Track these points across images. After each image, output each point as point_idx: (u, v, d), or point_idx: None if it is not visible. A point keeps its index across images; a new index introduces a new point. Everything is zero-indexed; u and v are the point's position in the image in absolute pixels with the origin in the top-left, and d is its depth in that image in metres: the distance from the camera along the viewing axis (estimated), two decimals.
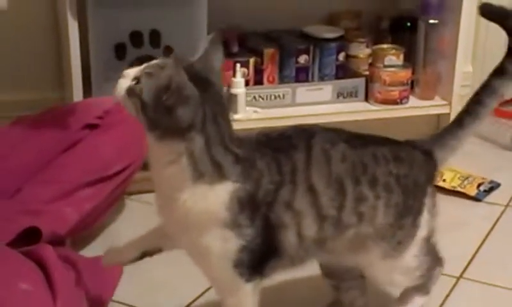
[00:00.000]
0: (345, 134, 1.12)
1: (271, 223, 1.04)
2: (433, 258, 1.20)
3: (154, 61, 1.01)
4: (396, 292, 1.26)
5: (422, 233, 1.16)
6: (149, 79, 0.97)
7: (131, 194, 1.71)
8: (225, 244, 1.02)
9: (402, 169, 1.14)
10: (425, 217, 1.16)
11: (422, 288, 1.21)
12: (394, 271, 1.17)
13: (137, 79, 0.98)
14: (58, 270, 1.09)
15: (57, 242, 1.29)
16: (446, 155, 1.25)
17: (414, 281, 1.20)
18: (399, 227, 1.12)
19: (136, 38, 1.72)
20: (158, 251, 1.17)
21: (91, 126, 1.47)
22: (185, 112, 0.96)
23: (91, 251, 1.49)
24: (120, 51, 1.71)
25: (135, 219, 1.66)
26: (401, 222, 1.12)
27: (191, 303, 1.35)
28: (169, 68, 0.97)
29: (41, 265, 1.09)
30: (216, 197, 1.01)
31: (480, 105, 1.25)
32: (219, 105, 1.02)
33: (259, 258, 1.05)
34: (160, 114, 0.97)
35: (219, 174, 1.01)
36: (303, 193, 1.05)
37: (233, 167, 1.02)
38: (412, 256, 1.15)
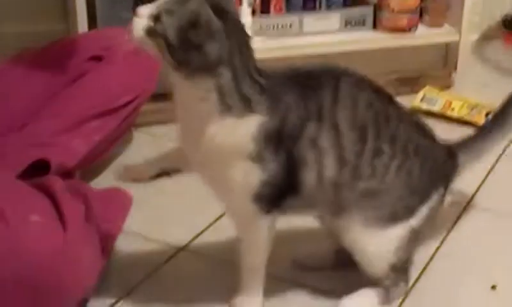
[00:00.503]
0: (374, 85, 1.12)
1: (293, 159, 1.04)
2: (405, 267, 1.18)
3: None
4: None
5: (413, 222, 1.13)
6: (171, 17, 0.95)
7: (139, 125, 1.71)
8: (248, 177, 1.03)
9: (423, 142, 1.13)
10: (423, 211, 1.14)
11: (384, 293, 1.17)
12: (372, 243, 1.12)
13: (156, 18, 0.95)
14: (67, 202, 1.09)
15: (66, 174, 1.30)
16: (469, 161, 1.26)
17: (382, 271, 1.15)
18: (400, 198, 1.11)
19: None
20: (176, 171, 1.18)
21: (97, 58, 1.47)
22: (214, 47, 0.95)
23: (101, 182, 1.51)
24: None
25: (143, 151, 1.66)
26: (404, 193, 1.11)
27: (199, 233, 1.37)
28: (192, 2, 0.95)
29: (51, 197, 1.09)
30: (243, 130, 1.01)
31: (508, 115, 1.28)
32: (241, 34, 1.01)
33: (278, 194, 1.06)
34: (188, 52, 0.96)
35: (247, 107, 1.01)
36: (328, 131, 1.05)
37: (260, 99, 1.02)
38: (394, 236, 1.12)
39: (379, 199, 1.10)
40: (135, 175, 1.20)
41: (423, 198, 1.14)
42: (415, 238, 1.15)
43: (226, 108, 1.00)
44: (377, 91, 1.11)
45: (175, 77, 1.00)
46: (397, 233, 1.12)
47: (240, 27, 1.01)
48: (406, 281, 1.19)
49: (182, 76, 0.99)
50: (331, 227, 1.16)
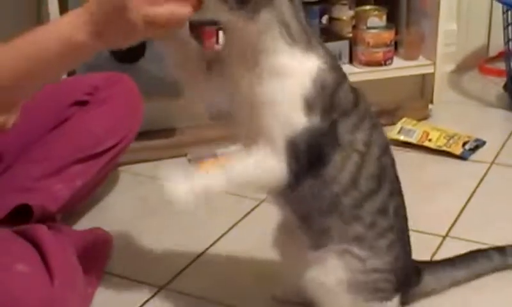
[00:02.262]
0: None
1: (334, 134, 1.05)
2: None
3: None
4: None
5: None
6: None
7: (123, 164, 1.72)
8: (295, 116, 1.02)
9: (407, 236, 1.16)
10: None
11: None
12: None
13: None
14: (54, 250, 1.09)
15: (48, 218, 1.30)
16: (432, 285, 1.24)
17: None
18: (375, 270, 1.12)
19: None
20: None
21: (81, 103, 1.47)
22: None
23: (84, 224, 1.51)
24: None
25: (127, 191, 1.68)
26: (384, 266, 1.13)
27: (180, 271, 1.37)
28: None
29: (36, 245, 1.10)
30: (308, 64, 1.02)
31: (475, 260, 1.30)
32: None
33: (305, 160, 1.04)
34: None
35: (309, 42, 1.03)
36: (365, 132, 1.07)
37: (317, 44, 1.04)
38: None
39: (362, 251, 1.09)
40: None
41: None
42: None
43: (292, 39, 1.01)
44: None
45: (238, 22, 1.00)
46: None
47: None
48: None
49: (244, 15, 0.99)
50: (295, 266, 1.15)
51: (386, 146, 1.13)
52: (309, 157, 1.04)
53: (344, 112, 1.06)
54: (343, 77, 1.07)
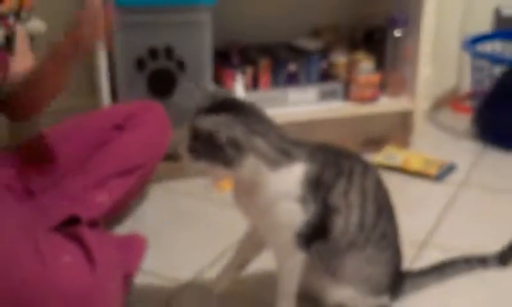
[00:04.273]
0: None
1: (327, 206, 1.05)
2: None
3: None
4: None
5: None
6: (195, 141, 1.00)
7: (154, 181, 1.71)
8: (294, 216, 1.03)
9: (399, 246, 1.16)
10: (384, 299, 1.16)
11: None
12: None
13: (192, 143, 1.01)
14: (95, 245, 1.09)
15: (92, 223, 1.29)
16: (410, 290, 1.24)
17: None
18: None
19: (153, 52, 1.72)
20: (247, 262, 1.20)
21: (119, 126, 1.48)
22: (237, 133, 0.97)
23: (121, 229, 1.51)
24: (140, 64, 1.73)
25: (157, 203, 1.67)
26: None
27: (208, 266, 1.36)
28: (205, 122, 0.99)
29: (81, 243, 1.09)
30: (292, 177, 1.02)
31: (448, 268, 1.30)
32: (253, 111, 1.03)
33: (313, 234, 1.06)
34: (222, 152, 0.98)
35: (290, 157, 1.02)
36: (356, 191, 1.06)
37: (298, 150, 1.03)
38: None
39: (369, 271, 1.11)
40: (223, 283, 1.21)
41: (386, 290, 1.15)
42: None
43: (273, 163, 1.01)
44: (383, 184, 1.13)
45: (228, 172, 1.01)
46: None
47: (247, 107, 1.02)
48: None
49: (232, 168, 0.99)
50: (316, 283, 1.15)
51: (378, 182, 1.11)
52: (315, 231, 1.05)
53: (330, 186, 1.05)
54: (324, 160, 1.05)
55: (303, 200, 1.03)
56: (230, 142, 0.97)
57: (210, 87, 1.06)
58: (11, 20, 1.26)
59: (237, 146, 0.98)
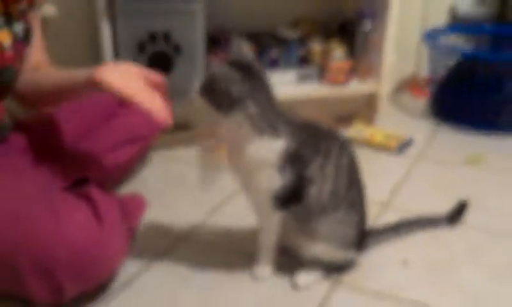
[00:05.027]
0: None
1: (304, 177, 1.07)
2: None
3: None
4: None
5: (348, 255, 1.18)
6: (205, 79, 1.02)
7: (154, 149, 1.71)
8: (272, 181, 1.06)
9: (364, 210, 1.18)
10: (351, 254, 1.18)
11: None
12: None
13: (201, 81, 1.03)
14: (102, 204, 1.09)
15: (99, 185, 1.29)
16: (371, 245, 1.26)
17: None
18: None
19: (152, 37, 1.71)
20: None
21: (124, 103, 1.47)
22: (234, 90, 0.99)
23: (125, 190, 1.52)
24: (141, 47, 1.72)
25: (156, 168, 1.67)
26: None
27: (197, 224, 1.37)
28: (213, 67, 1.01)
29: (89, 199, 1.10)
30: (273, 148, 1.04)
31: (402, 227, 1.32)
32: (260, 80, 1.03)
33: (288, 198, 1.08)
34: (218, 97, 1.00)
35: (275, 132, 1.03)
36: (332, 165, 1.08)
37: (285, 128, 1.04)
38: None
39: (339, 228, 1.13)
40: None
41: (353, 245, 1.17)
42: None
43: (260, 131, 1.03)
44: (356, 161, 1.15)
45: (220, 117, 1.02)
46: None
47: (259, 75, 1.03)
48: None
49: (222, 114, 1.02)
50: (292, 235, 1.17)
51: (352, 159, 1.13)
52: (290, 197, 1.07)
53: (308, 160, 1.06)
54: (304, 139, 1.07)
55: (281, 169, 1.05)
56: (226, 93, 0.99)
57: (245, 49, 1.06)
58: (29, 15, 1.23)
59: (230, 99, 0.99)
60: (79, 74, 1.15)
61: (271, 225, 1.13)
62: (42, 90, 1.22)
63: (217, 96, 1.00)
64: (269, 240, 1.16)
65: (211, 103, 1.02)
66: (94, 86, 1.10)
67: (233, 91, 0.99)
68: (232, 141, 1.06)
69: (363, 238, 1.21)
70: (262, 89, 1.03)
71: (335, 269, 1.19)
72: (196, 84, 1.03)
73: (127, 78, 1.10)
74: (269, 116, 1.03)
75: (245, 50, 1.07)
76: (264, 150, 1.04)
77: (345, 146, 1.12)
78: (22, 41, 1.21)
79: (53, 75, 1.22)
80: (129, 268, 1.20)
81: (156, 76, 1.14)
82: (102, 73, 1.09)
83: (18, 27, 1.19)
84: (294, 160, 1.05)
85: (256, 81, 1.03)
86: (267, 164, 1.05)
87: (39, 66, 1.28)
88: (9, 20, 1.16)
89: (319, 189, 1.08)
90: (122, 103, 1.45)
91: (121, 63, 1.15)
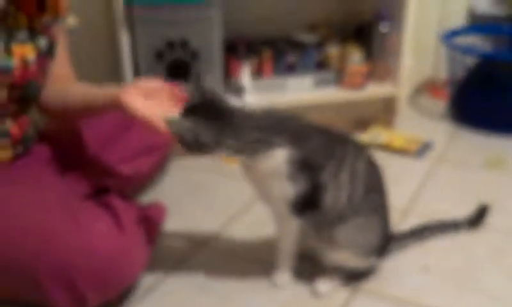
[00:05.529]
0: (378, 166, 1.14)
1: (318, 184, 1.06)
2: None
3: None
4: None
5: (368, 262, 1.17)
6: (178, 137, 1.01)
7: (173, 158, 1.72)
8: (284, 190, 1.05)
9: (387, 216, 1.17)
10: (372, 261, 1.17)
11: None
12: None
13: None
14: (123, 213, 1.10)
15: (120, 193, 1.29)
16: (394, 250, 1.25)
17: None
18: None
19: (170, 45, 1.72)
20: None
21: None
22: (205, 136, 0.99)
23: (145, 199, 1.53)
24: (159, 55, 1.73)
25: (175, 176, 1.68)
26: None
27: (218, 230, 1.38)
28: (176, 124, 1.00)
29: (110, 208, 1.11)
30: (276, 159, 1.03)
31: (424, 232, 1.31)
32: (232, 111, 1.01)
33: (304, 205, 1.07)
34: (197, 147, 1.00)
35: (268, 145, 1.02)
36: (346, 171, 1.07)
37: (280, 137, 1.03)
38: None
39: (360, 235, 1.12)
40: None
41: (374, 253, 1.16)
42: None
43: (250, 153, 1.02)
44: (376, 164, 1.13)
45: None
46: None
47: (225, 107, 1.00)
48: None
49: (212, 156, 1.03)
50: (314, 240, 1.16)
51: (370, 163, 1.11)
52: (305, 204, 1.07)
53: (320, 167, 1.05)
54: (314, 146, 1.06)
55: (291, 178, 1.04)
56: (200, 144, 0.99)
57: (206, 83, 1.04)
58: (53, 29, 1.24)
59: (207, 146, 1.00)
60: (105, 93, 1.16)
61: (289, 232, 1.13)
62: (69, 106, 1.23)
63: (196, 148, 1.00)
64: (287, 247, 1.15)
65: (196, 153, 1.01)
66: (119, 107, 1.11)
67: (204, 141, 0.99)
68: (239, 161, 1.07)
69: (386, 244, 1.19)
70: (232, 122, 1.00)
71: (355, 276, 1.17)
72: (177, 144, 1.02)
73: (151, 104, 1.11)
74: (255, 135, 1.01)
75: (207, 84, 1.03)
76: (269, 163, 1.03)
77: (361, 151, 1.11)
78: (46, 55, 1.22)
79: (80, 92, 1.23)
80: (150, 276, 1.20)
81: (178, 90, 1.14)
82: (128, 97, 1.10)
83: (42, 42, 1.20)
84: (305, 168, 1.04)
85: (225, 114, 1.00)
86: (276, 174, 1.04)
87: (64, 79, 1.29)
88: (33, 34, 1.17)
89: (335, 196, 1.07)
90: None
91: (143, 80, 1.15)
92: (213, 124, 0.99)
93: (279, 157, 1.03)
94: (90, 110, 1.20)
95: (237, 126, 1.01)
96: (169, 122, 1.01)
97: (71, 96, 1.24)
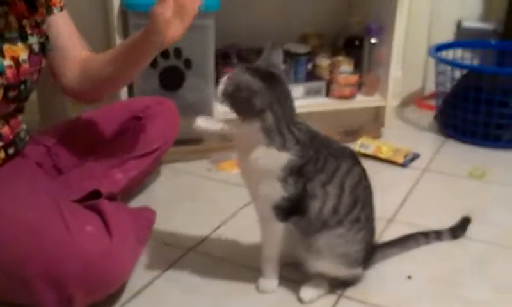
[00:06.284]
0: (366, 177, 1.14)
1: (306, 191, 1.06)
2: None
3: (230, 73, 1.03)
4: None
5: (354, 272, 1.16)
6: (228, 86, 1.01)
7: (165, 163, 1.72)
8: (273, 191, 1.06)
9: (374, 228, 1.17)
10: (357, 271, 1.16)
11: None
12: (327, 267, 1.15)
13: (224, 85, 1.02)
14: (112, 215, 1.10)
15: (111, 198, 1.29)
16: (378, 260, 1.25)
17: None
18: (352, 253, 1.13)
19: (164, 53, 1.72)
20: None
21: (137, 118, 1.47)
22: (256, 101, 0.99)
23: (136, 203, 1.52)
24: (152, 63, 1.73)
25: (166, 181, 1.68)
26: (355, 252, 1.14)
27: (205, 237, 1.37)
28: (237, 74, 1.00)
29: (100, 212, 1.11)
30: (278, 159, 1.04)
31: (408, 242, 1.31)
32: (282, 90, 1.03)
33: (290, 210, 1.07)
34: (241, 105, 1.01)
35: (284, 144, 1.03)
36: (335, 185, 1.07)
37: (294, 144, 1.04)
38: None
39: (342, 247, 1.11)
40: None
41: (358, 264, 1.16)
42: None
43: (270, 142, 1.03)
44: (367, 180, 1.13)
45: (238, 121, 1.03)
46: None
47: (281, 85, 1.02)
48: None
49: (241, 120, 1.03)
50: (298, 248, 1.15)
51: (360, 179, 1.11)
52: (292, 208, 1.07)
53: (311, 176, 1.06)
54: (312, 155, 1.05)
55: (283, 180, 1.04)
56: (248, 103, 0.99)
57: (275, 57, 1.06)
58: (44, 27, 1.25)
59: (251, 109, 1.00)
60: (135, 35, 1.18)
61: (273, 236, 1.12)
62: (101, 74, 1.25)
63: (239, 104, 1.01)
64: (271, 253, 1.15)
65: (231, 108, 1.02)
66: (151, 27, 1.13)
67: (255, 103, 0.99)
68: (242, 143, 1.06)
69: (370, 255, 1.19)
70: (282, 101, 1.02)
71: (340, 284, 1.18)
72: (220, 86, 1.02)
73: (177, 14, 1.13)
74: (283, 129, 1.03)
75: (275, 58, 1.06)
76: (268, 160, 1.04)
77: (355, 165, 1.11)
78: (38, 54, 1.22)
79: (108, 54, 1.24)
80: (139, 279, 1.20)
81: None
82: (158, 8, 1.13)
83: (33, 41, 1.20)
84: (297, 175, 1.05)
85: (278, 92, 1.02)
86: (269, 173, 1.05)
87: (83, 59, 1.29)
88: (23, 34, 1.18)
89: (320, 205, 1.07)
90: (136, 117, 1.48)
91: None
92: (270, 93, 1.00)
93: (281, 159, 1.04)
94: (124, 65, 1.22)
95: (284, 109, 1.02)
96: (232, 72, 1.01)
97: (97, 65, 1.26)
